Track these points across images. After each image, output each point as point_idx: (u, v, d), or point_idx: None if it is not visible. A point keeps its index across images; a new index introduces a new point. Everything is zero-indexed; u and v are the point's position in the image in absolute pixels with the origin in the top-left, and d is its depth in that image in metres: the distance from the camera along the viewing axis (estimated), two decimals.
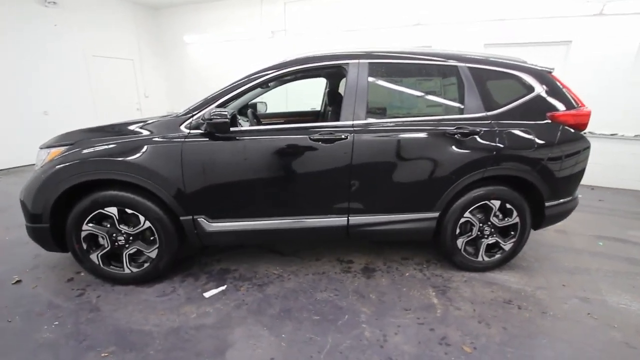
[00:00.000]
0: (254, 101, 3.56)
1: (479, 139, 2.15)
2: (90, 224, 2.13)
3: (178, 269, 2.45)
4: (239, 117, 2.95)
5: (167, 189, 2.05)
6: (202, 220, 2.15)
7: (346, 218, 2.22)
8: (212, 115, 1.92)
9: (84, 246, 2.17)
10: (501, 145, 2.17)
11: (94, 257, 2.19)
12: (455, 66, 2.23)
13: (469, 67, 2.23)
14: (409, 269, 2.48)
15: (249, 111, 2.65)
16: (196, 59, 7.80)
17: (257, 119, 2.87)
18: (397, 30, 5.64)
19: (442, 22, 5.37)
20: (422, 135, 2.14)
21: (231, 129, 2.08)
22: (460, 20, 5.30)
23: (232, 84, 2.16)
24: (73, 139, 2.15)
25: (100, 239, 2.18)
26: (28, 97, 5.84)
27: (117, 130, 2.18)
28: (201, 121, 2.04)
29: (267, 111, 3.86)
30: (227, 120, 1.92)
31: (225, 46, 7.39)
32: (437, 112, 2.25)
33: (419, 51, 2.27)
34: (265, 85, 2.84)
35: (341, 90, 3.51)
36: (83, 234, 2.14)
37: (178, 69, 8.04)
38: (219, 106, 2.10)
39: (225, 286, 2.25)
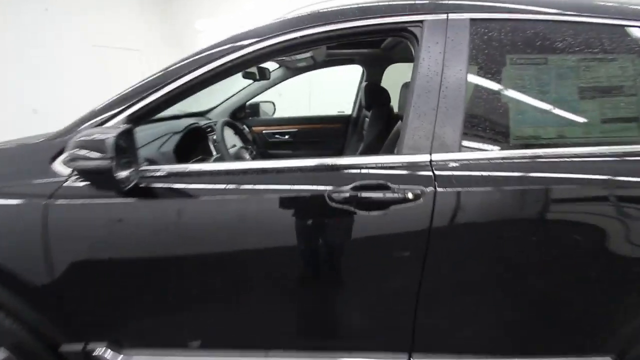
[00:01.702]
0: (254, 100, 2.45)
1: None
2: None
3: None
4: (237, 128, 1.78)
5: (21, 290, 0.96)
6: (101, 352, 1.04)
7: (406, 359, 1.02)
8: (73, 151, 0.78)
9: None
10: None
11: None
12: None
13: None
14: None
15: (221, 122, 1.41)
16: None
17: (240, 133, 1.66)
18: None
19: None
20: (594, 189, 0.89)
21: (167, 167, 0.95)
22: None
23: (166, 69, 1.01)
24: None
25: None
26: (14, 92, 5.09)
27: None
28: None
29: (275, 115, 2.73)
30: (107, 163, 0.76)
31: None
32: (629, 136, 0.98)
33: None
34: (250, 74, 1.69)
35: (388, 82, 2.29)
36: None
37: None
38: (134, 119, 0.96)
39: None
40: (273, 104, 2.67)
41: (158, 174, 0.92)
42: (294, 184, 0.90)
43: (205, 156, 1.46)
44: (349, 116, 2.55)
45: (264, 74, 1.88)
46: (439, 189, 0.87)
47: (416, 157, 0.91)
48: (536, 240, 0.89)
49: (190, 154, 1.39)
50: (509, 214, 0.89)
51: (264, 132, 2.49)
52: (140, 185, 0.90)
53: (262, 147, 2.48)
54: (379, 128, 1.93)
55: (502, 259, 0.92)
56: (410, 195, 0.86)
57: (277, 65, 2.28)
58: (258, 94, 2.42)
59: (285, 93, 3.54)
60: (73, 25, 5.60)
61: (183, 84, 0.98)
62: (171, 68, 1.00)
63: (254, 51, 0.97)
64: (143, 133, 1.32)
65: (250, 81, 2.24)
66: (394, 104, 2.12)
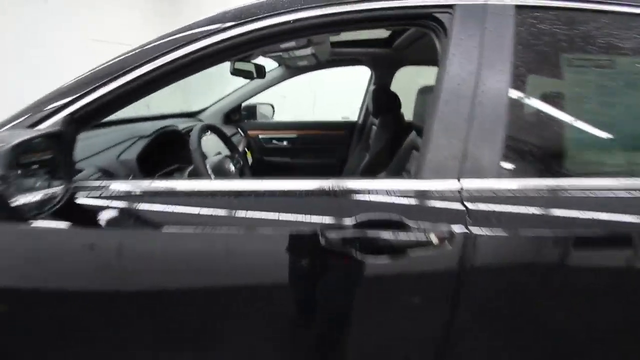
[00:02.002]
0: (250, 102, 2.25)
1: None
2: None
3: None
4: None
5: None
6: None
7: None
8: None
9: None
10: None
11: None
12: None
13: None
14: None
15: (199, 127, 1.14)
16: None
17: (226, 139, 1.41)
18: None
19: None
20: None
21: (107, 183, 0.73)
22: None
23: (126, 54, 0.81)
24: None
25: None
26: (8, 88, 4.92)
27: None
28: None
29: (276, 118, 2.54)
30: None
31: None
32: None
33: None
34: (241, 71, 1.48)
35: (400, 86, 2.08)
36: None
37: None
38: (80, 117, 0.74)
39: None
40: (272, 106, 2.46)
41: (99, 193, 0.69)
42: (275, 213, 0.68)
43: (184, 165, 1.24)
44: (355, 123, 2.34)
45: (259, 72, 1.67)
46: (473, 230, 0.64)
47: (440, 183, 0.68)
48: (614, 305, 0.66)
49: (164, 163, 1.17)
50: (576, 268, 0.66)
51: (260, 136, 2.28)
52: (76, 202, 0.69)
53: (258, 153, 2.27)
54: (387, 138, 1.72)
55: (567, 334, 0.68)
56: (434, 239, 0.63)
57: (277, 64, 2.07)
58: (255, 95, 2.21)
59: (288, 95, 3.34)
60: (73, 19, 5.43)
61: (145, 73, 0.77)
62: (132, 53, 0.80)
63: (237, 35, 0.75)
64: (105, 137, 1.11)
65: (247, 80, 2.04)
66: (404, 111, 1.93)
